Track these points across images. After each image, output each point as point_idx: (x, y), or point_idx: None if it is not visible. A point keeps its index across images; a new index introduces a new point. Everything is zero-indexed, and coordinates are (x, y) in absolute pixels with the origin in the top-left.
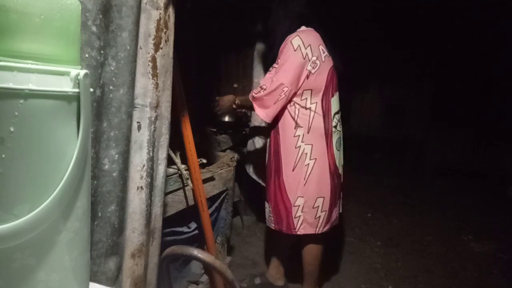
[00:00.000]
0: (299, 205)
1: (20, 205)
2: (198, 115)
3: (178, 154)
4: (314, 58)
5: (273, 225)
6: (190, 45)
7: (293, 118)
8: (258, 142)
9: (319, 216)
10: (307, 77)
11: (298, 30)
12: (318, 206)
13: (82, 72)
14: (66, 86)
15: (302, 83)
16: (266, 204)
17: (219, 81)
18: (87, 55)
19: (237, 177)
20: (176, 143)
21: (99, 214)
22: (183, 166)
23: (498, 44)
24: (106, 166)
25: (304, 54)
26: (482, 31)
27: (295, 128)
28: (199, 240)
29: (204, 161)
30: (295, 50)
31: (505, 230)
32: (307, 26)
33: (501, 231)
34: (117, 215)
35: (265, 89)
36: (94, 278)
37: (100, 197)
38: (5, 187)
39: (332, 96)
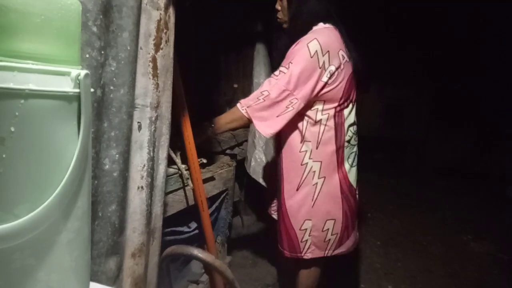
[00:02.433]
0: (306, 229)
1: (20, 205)
2: (198, 115)
3: (178, 154)
4: (332, 67)
5: (279, 245)
6: (190, 45)
7: (300, 131)
8: (258, 142)
9: (329, 239)
10: (322, 88)
11: (315, 29)
12: (328, 229)
13: (83, 72)
14: (66, 86)
15: (315, 95)
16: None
17: (219, 81)
18: (87, 55)
19: (237, 177)
20: (176, 143)
21: (100, 214)
22: (183, 166)
23: (498, 43)
24: (107, 166)
25: (321, 62)
26: (483, 31)
27: (301, 143)
28: (199, 240)
29: (204, 161)
30: (311, 57)
31: (505, 230)
32: (325, 22)
33: (501, 231)
34: (118, 215)
35: (266, 96)
36: (94, 277)
37: (100, 197)
38: (5, 187)
39: (347, 106)
